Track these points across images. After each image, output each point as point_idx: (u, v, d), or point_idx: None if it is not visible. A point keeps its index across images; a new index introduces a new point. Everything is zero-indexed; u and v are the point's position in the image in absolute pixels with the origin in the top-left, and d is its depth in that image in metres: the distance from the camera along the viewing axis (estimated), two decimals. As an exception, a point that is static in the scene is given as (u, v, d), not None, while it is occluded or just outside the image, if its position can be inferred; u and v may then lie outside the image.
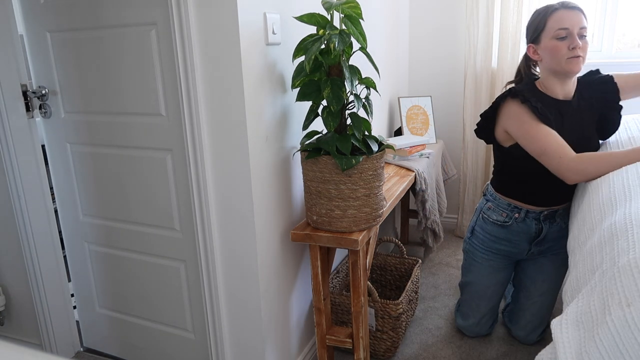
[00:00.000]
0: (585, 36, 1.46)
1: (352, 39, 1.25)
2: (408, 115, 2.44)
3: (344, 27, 1.24)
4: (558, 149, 1.42)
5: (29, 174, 1.60)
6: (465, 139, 2.60)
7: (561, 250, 1.67)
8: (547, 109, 1.50)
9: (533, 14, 1.55)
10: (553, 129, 1.47)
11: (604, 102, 1.56)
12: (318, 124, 1.61)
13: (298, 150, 1.41)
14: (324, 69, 1.29)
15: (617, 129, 1.58)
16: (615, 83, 1.56)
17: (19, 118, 1.56)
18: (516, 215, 1.63)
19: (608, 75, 1.58)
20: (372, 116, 1.37)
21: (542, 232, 1.63)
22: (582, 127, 1.53)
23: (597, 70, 1.62)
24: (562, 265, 1.69)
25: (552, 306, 1.73)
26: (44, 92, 1.54)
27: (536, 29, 1.52)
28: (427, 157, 2.19)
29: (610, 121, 1.57)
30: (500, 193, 1.68)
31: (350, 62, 1.31)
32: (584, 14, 1.48)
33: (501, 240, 1.69)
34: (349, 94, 1.28)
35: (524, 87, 1.57)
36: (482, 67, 2.48)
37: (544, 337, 1.76)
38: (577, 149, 1.44)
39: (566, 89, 1.54)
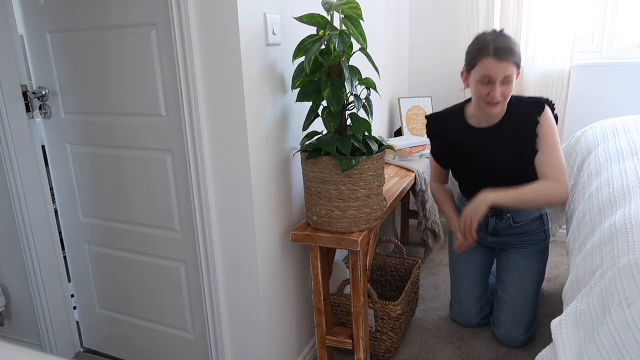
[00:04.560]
0: (510, 82, 1.54)
1: (352, 39, 1.25)
2: (408, 115, 2.44)
3: (344, 27, 1.24)
4: (432, 174, 1.91)
5: (29, 174, 1.60)
6: (465, 140, 2.60)
7: (525, 245, 1.77)
8: (457, 135, 1.72)
9: (472, 42, 1.61)
10: (444, 156, 1.79)
11: (524, 131, 1.62)
12: (318, 125, 1.61)
13: (298, 151, 1.41)
14: (324, 69, 1.29)
15: (533, 153, 1.64)
16: (536, 127, 1.60)
17: (19, 118, 1.56)
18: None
19: (536, 119, 1.60)
20: (372, 117, 1.37)
21: (489, 225, 1.78)
22: (500, 152, 1.66)
23: (546, 103, 1.63)
24: (529, 257, 1.75)
25: (530, 303, 1.72)
26: (44, 92, 1.54)
27: (469, 63, 1.60)
28: (427, 158, 2.19)
29: (528, 145, 1.62)
30: (459, 188, 1.90)
31: (350, 63, 1.31)
32: (513, 61, 1.52)
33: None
34: (349, 95, 1.28)
35: (447, 111, 1.79)
36: (482, 68, 2.47)
37: (530, 346, 1.74)
38: (495, 172, 1.67)
39: (488, 119, 1.66)
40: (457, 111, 1.75)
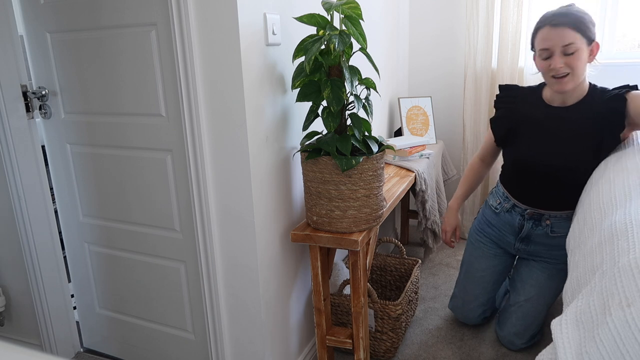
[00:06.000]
0: (572, 53, 1.40)
1: (352, 39, 1.25)
2: (408, 115, 2.44)
3: (344, 27, 1.24)
4: (480, 148, 1.85)
5: (29, 175, 1.60)
6: (465, 140, 2.60)
7: (553, 261, 1.66)
8: (526, 107, 1.61)
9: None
10: (502, 128, 1.67)
11: (606, 121, 1.44)
12: (318, 125, 1.61)
13: (298, 151, 1.41)
14: (324, 69, 1.29)
15: (607, 154, 1.44)
16: (625, 105, 1.42)
17: (19, 119, 1.56)
18: (505, 204, 1.70)
19: (623, 94, 1.44)
20: (372, 117, 1.37)
21: (523, 229, 1.66)
22: (566, 137, 1.50)
23: (634, 87, 1.47)
24: (552, 277, 1.65)
25: (540, 318, 1.68)
26: (44, 92, 1.54)
27: (531, 43, 1.52)
28: (427, 158, 2.19)
29: (604, 142, 1.45)
30: (500, 180, 1.76)
31: (350, 63, 1.31)
32: (573, 26, 1.39)
33: (492, 226, 1.77)
34: (349, 95, 1.28)
35: (523, 86, 1.68)
36: (482, 68, 2.48)
37: (531, 346, 1.73)
38: (550, 161, 1.52)
39: (563, 98, 1.53)
40: (535, 87, 1.64)
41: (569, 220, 1.58)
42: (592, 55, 1.45)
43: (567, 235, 1.55)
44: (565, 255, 1.62)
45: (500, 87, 1.72)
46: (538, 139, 1.56)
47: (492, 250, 1.78)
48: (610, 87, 1.51)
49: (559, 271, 1.65)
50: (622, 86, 1.49)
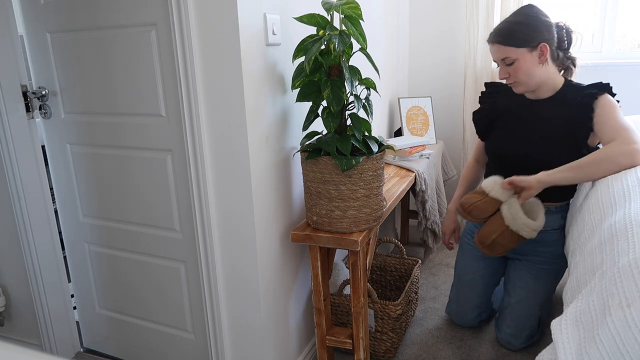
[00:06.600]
0: (510, 64, 1.52)
1: (352, 39, 1.25)
2: (408, 115, 2.44)
3: (344, 27, 1.24)
4: (474, 148, 1.91)
5: (29, 175, 1.60)
6: (465, 140, 2.60)
7: (539, 260, 1.67)
8: (505, 100, 1.69)
9: None
10: (482, 120, 1.75)
11: (577, 115, 1.49)
12: (318, 125, 1.61)
13: (298, 151, 1.41)
14: (324, 69, 1.29)
15: (580, 147, 1.49)
16: (593, 109, 1.47)
17: (19, 119, 1.56)
18: None
19: (594, 96, 1.47)
20: (372, 117, 1.37)
21: None
22: (536, 127, 1.58)
23: (604, 86, 1.51)
24: (539, 277, 1.67)
25: (532, 319, 1.68)
26: (44, 92, 1.54)
27: None
28: (427, 158, 2.19)
29: (576, 133, 1.50)
30: (484, 177, 1.79)
31: (350, 63, 1.31)
32: (502, 42, 1.51)
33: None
34: (349, 95, 1.28)
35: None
36: (482, 68, 2.48)
37: (531, 346, 1.73)
38: (521, 146, 1.60)
39: (534, 93, 1.61)
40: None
41: (550, 214, 1.60)
42: (542, 56, 1.51)
43: (549, 230, 1.63)
44: (551, 253, 1.65)
45: (486, 84, 1.81)
46: (513, 129, 1.64)
47: (479, 252, 1.79)
48: (586, 84, 1.56)
49: (545, 271, 1.67)
50: (595, 84, 1.53)
